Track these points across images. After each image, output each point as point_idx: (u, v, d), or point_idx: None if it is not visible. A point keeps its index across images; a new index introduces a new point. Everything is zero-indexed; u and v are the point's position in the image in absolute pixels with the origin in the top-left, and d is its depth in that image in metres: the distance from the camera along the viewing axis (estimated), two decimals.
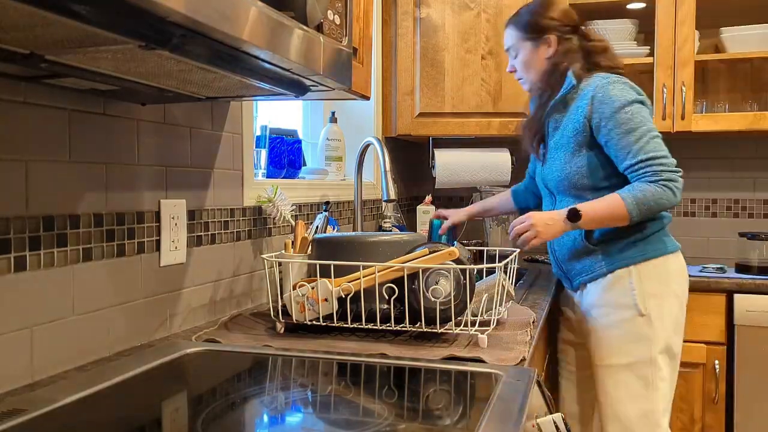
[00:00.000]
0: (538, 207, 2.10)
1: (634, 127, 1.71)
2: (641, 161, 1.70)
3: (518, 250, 1.53)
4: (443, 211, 2.20)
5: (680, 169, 1.71)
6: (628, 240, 1.78)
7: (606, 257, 1.80)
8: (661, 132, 2.59)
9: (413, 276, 1.23)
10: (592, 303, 1.85)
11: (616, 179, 1.77)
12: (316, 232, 1.65)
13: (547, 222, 1.71)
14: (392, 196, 1.87)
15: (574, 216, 1.70)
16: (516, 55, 1.93)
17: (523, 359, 1.14)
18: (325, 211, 1.76)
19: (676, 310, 1.80)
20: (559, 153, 1.85)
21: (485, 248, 1.66)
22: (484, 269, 1.61)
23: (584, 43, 1.88)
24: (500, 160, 2.74)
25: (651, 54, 2.68)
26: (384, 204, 2.61)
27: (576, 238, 1.84)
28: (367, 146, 2.06)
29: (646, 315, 1.76)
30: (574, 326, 2.01)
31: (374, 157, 2.65)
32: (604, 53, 1.87)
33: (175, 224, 1.35)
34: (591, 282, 1.85)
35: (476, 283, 1.33)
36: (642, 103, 1.76)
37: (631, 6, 2.76)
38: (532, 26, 1.89)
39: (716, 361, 2.39)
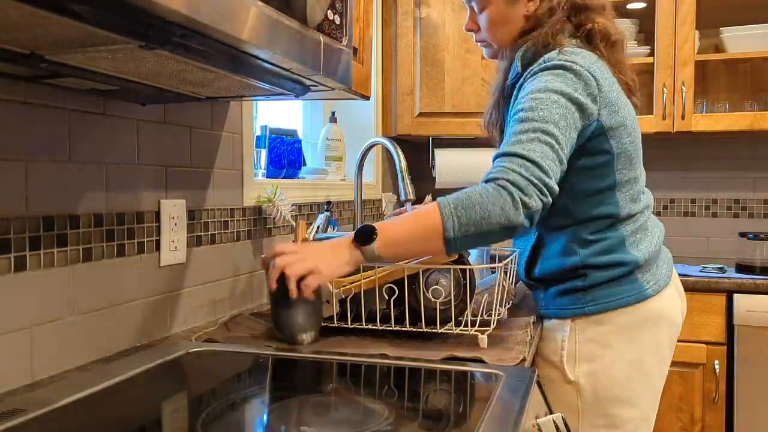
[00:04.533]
0: None
1: (530, 117, 1.23)
2: (502, 154, 1.21)
3: (517, 250, 1.50)
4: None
5: (544, 190, 1.16)
6: (567, 285, 1.39)
7: (545, 298, 1.44)
8: (661, 132, 2.64)
9: (413, 276, 1.23)
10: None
11: (570, 182, 1.34)
12: (317, 232, 1.65)
13: (326, 253, 1.15)
14: (411, 196, 1.86)
15: (364, 236, 1.13)
16: (483, 7, 1.43)
17: (523, 359, 1.14)
18: (327, 211, 1.76)
19: (622, 379, 1.37)
20: None
21: (485, 248, 1.66)
22: (484, 269, 1.61)
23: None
24: None
25: (651, 54, 2.68)
26: (389, 204, 2.61)
27: (520, 271, 1.51)
28: (371, 146, 2.05)
29: (573, 382, 1.38)
30: None
31: (375, 158, 2.65)
32: (602, 12, 1.41)
33: (175, 224, 1.35)
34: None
35: (476, 284, 1.32)
36: (573, 101, 1.26)
37: (631, 6, 2.76)
38: None
39: (716, 361, 2.39)
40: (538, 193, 1.16)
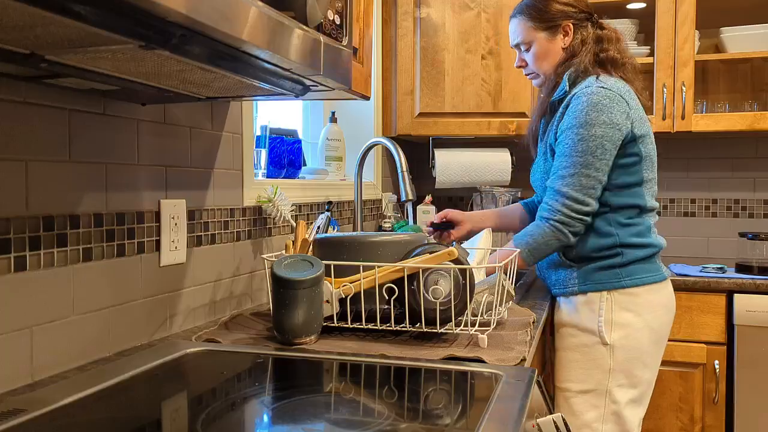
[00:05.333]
0: None
1: (573, 153, 1.63)
2: (552, 189, 1.66)
3: (518, 250, 1.52)
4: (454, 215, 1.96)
5: (584, 218, 1.64)
6: (606, 263, 1.69)
7: (581, 275, 1.72)
8: (661, 132, 2.64)
9: (413, 276, 1.23)
10: (561, 319, 1.77)
11: (609, 178, 1.69)
12: (317, 232, 1.65)
13: None
14: (411, 196, 1.87)
15: None
16: (528, 47, 1.79)
17: (524, 359, 1.14)
18: (327, 211, 1.76)
19: (647, 344, 1.68)
20: (540, 160, 1.80)
21: (485, 248, 1.66)
22: (484, 269, 1.61)
23: (598, 31, 1.76)
24: (500, 160, 2.74)
25: (651, 54, 2.68)
26: (389, 204, 2.61)
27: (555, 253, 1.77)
28: (371, 147, 2.05)
29: (609, 345, 1.67)
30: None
31: (375, 158, 2.65)
32: (617, 43, 1.75)
33: (175, 224, 1.35)
34: (563, 297, 1.77)
35: (476, 283, 1.33)
36: (612, 126, 1.61)
37: (631, 6, 2.76)
38: (548, 13, 1.75)
39: (716, 361, 2.39)
40: (580, 222, 1.64)
